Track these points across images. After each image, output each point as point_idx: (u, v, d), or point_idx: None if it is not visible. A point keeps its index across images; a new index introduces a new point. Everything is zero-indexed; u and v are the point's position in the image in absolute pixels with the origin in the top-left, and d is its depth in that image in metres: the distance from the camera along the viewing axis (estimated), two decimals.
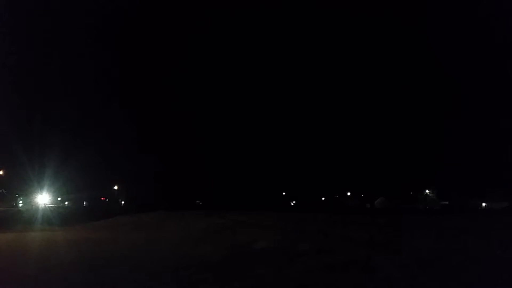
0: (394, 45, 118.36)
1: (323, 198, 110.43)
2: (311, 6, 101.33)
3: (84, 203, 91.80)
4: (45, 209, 50.86)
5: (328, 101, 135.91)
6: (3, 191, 71.83)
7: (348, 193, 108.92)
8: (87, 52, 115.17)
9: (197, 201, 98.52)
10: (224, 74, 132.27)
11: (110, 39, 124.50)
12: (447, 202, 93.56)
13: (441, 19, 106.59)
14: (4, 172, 69.56)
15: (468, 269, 9.55)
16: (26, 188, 69.38)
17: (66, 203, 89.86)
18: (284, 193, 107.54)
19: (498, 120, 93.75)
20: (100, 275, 10.91)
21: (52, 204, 72.03)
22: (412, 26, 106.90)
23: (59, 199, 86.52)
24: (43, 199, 67.88)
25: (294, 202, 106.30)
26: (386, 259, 10.83)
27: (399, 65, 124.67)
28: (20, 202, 67.44)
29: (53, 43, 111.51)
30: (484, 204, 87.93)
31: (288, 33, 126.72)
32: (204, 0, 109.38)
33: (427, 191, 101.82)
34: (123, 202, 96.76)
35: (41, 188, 66.94)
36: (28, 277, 10.62)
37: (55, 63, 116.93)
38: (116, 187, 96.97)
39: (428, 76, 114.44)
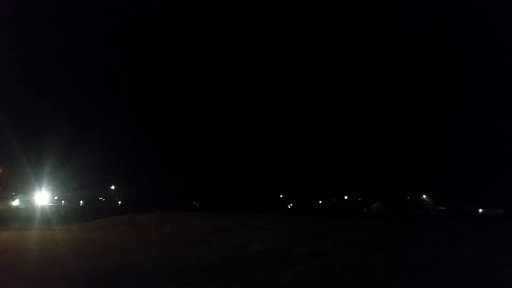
0: (392, 50, 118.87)
1: (320, 202, 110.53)
2: (314, 8, 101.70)
3: (81, 202, 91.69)
4: (43, 208, 50.64)
5: (327, 106, 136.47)
6: (0, 189, 71.66)
7: (346, 197, 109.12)
8: (87, 53, 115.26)
9: (194, 203, 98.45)
10: (224, 81, 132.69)
11: (112, 37, 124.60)
12: (444, 208, 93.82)
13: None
14: (2, 171, 69.39)
15: (464, 274, 9.61)
16: (24, 187, 69.22)
17: (63, 202, 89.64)
18: (281, 196, 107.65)
19: (496, 128, 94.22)
20: (97, 274, 10.92)
21: (49, 203, 71.78)
22: (412, 27, 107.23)
23: (55, 198, 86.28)
24: (41, 197, 67.66)
25: (291, 205, 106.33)
26: (382, 263, 10.89)
27: (397, 71, 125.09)
28: (18, 200, 67.21)
29: (54, 44, 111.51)
30: (480, 210, 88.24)
31: (286, 39, 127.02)
32: (215, 1, 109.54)
33: (424, 196, 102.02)
34: (120, 202, 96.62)
35: (38, 186, 66.83)
36: (26, 277, 10.63)
37: (55, 64, 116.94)
38: (113, 187, 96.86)
39: (426, 83, 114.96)
